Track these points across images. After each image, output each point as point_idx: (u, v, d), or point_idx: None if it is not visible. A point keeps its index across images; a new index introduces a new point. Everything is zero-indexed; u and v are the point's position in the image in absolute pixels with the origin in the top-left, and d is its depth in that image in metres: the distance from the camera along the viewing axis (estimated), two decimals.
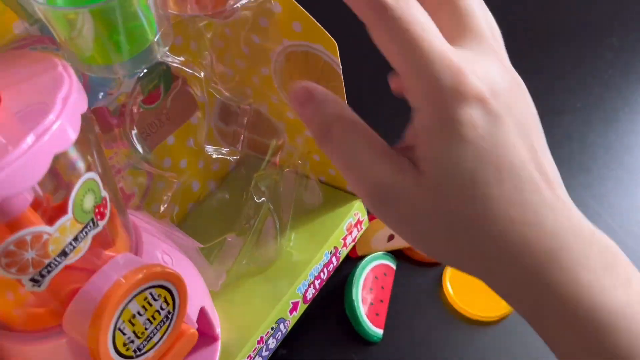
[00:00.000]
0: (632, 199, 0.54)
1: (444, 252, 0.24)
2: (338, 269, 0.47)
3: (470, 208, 0.22)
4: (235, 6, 0.31)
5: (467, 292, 0.42)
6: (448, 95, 0.21)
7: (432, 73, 0.21)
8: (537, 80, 0.61)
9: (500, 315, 0.45)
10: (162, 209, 0.40)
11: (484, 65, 0.23)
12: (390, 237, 0.47)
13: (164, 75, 0.38)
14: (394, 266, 0.49)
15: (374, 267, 0.48)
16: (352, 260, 0.49)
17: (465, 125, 0.22)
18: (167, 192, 0.36)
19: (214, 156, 0.35)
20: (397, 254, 0.50)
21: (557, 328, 0.23)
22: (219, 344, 0.40)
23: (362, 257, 0.49)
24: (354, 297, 0.46)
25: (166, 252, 0.35)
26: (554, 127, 0.60)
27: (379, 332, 0.45)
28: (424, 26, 0.22)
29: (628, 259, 0.24)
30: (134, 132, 0.37)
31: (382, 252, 0.49)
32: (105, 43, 0.27)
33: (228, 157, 0.36)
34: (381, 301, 0.47)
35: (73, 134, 0.23)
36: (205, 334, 0.39)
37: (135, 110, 0.37)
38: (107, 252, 0.29)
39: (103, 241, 0.29)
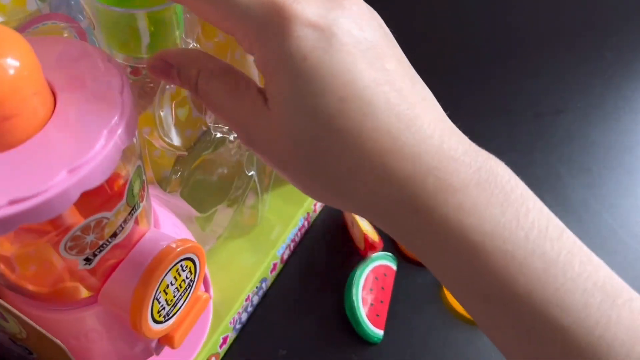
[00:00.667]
0: (632, 198, 0.54)
1: (311, 190, 0.24)
2: (339, 269, 0.49)
3: (322, 144, 0.21)
4: None
5: None
6: (270, 29, 0.21)
7: (247, 14, 0.21)
8: (537, 80, 0.65)
9: None
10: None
11: None
12: None
13: None
14: (394, 267, 0.49)
15: (374, 268, 0.49)
16: (352, 261, 0.50)
17: (296, 58, 0.21)
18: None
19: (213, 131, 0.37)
20: (397, 254, 0.51)
21: (433, 256, 0.23)
22: (211, 302, 0.43)
23: (361, 258, 0.50)
24: (354, 298, 0.46)
25: (175, 224, 0.37)
26: (554, 127, 0.59)
27: (380, 332, 0.45)
28: None
29: (511, 173, 0.23)
30: None
31: (382, 253, 0.50)
32: (142, 39, 0.28)
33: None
34: (381, 302, 0.47)
35: (135, 127, 0.25)
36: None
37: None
38: (138, 228, 0.31)
39: (136, 219, 0.31)
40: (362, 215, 0.24)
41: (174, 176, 0.36)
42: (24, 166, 0.22)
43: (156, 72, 0.26)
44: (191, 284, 0.33)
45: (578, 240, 0.23)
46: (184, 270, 0.32)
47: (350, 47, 0.21)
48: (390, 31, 0.24)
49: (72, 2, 0.34)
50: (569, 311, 0.22)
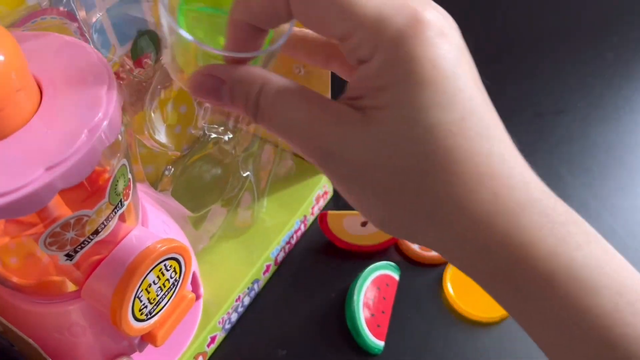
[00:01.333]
0: (632, 199, 0.54)
1: (398, 219, 0.21)
2: (341, 278, 0.48)
3: (434, 162, 0.20)
4: None
5: (467, 293, 0.41)
6: (401, 34, 0.19)
7: (377, 16, 0.19)
8: (537, 80, 0.65)
9: (501, 315, 0.45)
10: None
11: (431, 4, 0.21)
12: (364, 223, 0.49)
13: (152, 41, 0.39)
14: (397, 277, 0.48)
15: (376, 278, 0.47)
16: (354, 270, 0.48)
17: (425, 63, 0.19)
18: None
19: (212, 135, 0.37)
20: (398, 255, 0.49)
21: (535, 291, 0.21)
22: (201, 301, 0.43)
23: (362, 263, 0.48)
24: (354, 308, 0.45)
25: (165, 222, 0.37)
26: (554, 127, 0.59)
27: (380, 344, 0.44)
28: None
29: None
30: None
31: (385, 262, 0.48)
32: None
33: (222, 136, 0.38)
34: (383, 312, 0.46)
35: (118, 126, 0.25)
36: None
37: (124, 76, 0.38)
38: (124, 225, 0.31)
39: (122, 216, 0.31)
40: (447, 251, 0.22)
41: (165, 175, 0.37)
42: (1, 162, 0.22)
43: (202, 90, 0.23)
44: (176, 283, 0.34)
45: None
46: (167, 270, 0.32)
47: (468, 62, 0.21)
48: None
49: None
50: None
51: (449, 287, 0.46)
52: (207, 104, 0.37)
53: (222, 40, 0.25)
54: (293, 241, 0.50)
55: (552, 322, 0.21)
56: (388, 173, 0.20)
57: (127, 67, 0.38)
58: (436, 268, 0.49)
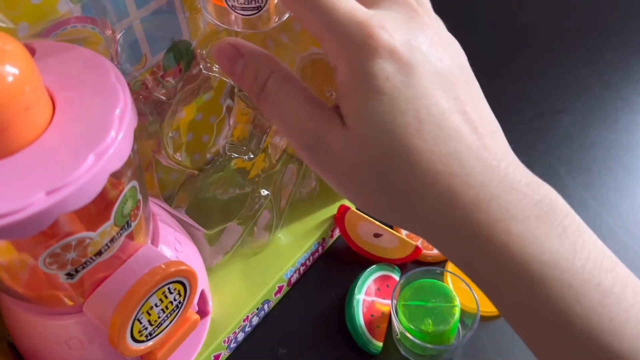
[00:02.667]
0: (632, 199, 0.54)
1: (374, 206, 0.25)
2: (341, 277, 0.48)
3: (396, 159, 0.23)
4: (277, 22, 0.31)
5: (466, 288, 0.42)
6: (358, 50, 0.22)
7: (340, 31, 0.23)
8: (537, 81, 0.65)
9: None
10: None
11: (397, 21, 0.23)
12: (377, 235, 0.49)
13: (184, 53, 0.39)
14: (397, 278, 0.48)
15: (377, 278, 0.48)
16: (354, 270, 0.48)
17: (378, 78, 0.22)
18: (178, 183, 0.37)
19: (234, 155, 0.36)
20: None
21: (491, 281, 0.24)
22: (209, 318, 0.42)
23: (363, 263, 0.48)
24: (354, 309, 0.45)
25: (177, 239, 0.36)
26: (553, 127, 0.59)
27: (379, 344, 0.44)
28: None
29: (569, 207, 0.24)
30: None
31: (385, 264, 0.49)
32: None
33: (243, 157, 0.37)
34: (382, 313, 0.46)
35: (127, 151, 0.24)
36: (200, 311, 0.42)
37: (146, 94, 0.38)
38: (131, 243, 0.31)
39: (129, 235, 0.30)
40: (424, 236, 0.25)
41: (180, 193, 0.36)
42: (3, 181, 0.22)
43: (221, 56, 0.26)
44: (180, 305, 0.33)
45: (630, 272, 0.25)
46: (171, 293, 0.31)
47: (429, 74, 0.23)
48: None
49: (109, 6, 0.34)
50: (623, 341, 0.23)
51: (449, 282, 0.46)
52: (231, 121, 0.36)
53: None
54: (309, 263, 0.49)
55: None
56: (361, 169, 0.23)
57: (156, 77, 0.38)
58: (436, 265, 0.49)
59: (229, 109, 0.36)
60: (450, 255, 0.25)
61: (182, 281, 0.32)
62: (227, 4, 0.28)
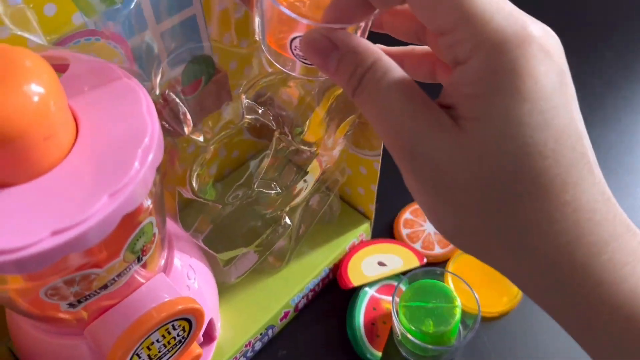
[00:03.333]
0: (632, 198, 0.54)
1: (472, 235, 0.20)
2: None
3: (520, 181, 0.19)
4: None
5: (467, 289, 0.41)
6: (506, 41, 0.18)
7: (486, 17, 0.18)
8: None
9: (500, 311, 0.46)
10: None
11: (539, 22, 0.20)
12: (381, 264, 0.48)
13: (206, 67, 0.37)
14: (403, 288, 0.46)
15: (380, 288, 0.47)
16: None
17: (526, 78, 0.18)
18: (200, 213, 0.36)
19: (264, 191, 0.35)
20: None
21: (614, 333, 0.20)
22: (215, 344, 0.41)
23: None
24: (355, 317, 0.45)
25: (192, 265, 0.35)
26: None
27: (377, 354, 0.44)
28: None
29: None
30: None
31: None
32: None
33: (271, 193, 0.35)
34: (384, 322, 0.46)
35: (145, 192, 0.23)
36: (206, 335, 0.40)
37: (173, 99, 0.36)
38: (142, 272, 0.29)
39: (145, 264, 0.29)
40: (530, 282, 0.21)
41: (202, 216, 0.34)
42: (11, 214, 0.21)
43: (311, 48, 0.22)
44: (183, 341, 0.31)
45: None
46: (175, 329, 0.30)
47: (570, 84, 0.20)
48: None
49: (129, 18, 0.33)
50: None
51: (450, 283, 0.44)
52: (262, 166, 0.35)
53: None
54: (318, 289, 0.47)
55: None
56: (471, 184, 0.19)
57: (175, 91, 0.36)
58: (436, 266, 0.48)
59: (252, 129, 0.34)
60: (546, 300, 0.21)
61: (189, 318, 0.30)
62: (291, 53, 0.26)
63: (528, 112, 0.18)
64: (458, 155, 0.19)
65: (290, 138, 0.33)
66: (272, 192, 0.34)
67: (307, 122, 0.34)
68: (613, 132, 0.59)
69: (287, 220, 0.40)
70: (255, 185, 0.33)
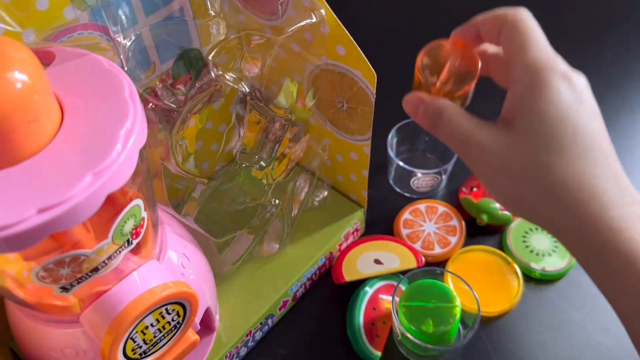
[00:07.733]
0: None
1: (512, 193, 0.30)
2: (344, 287, 0.47)
3: (548, 156, 0.28)
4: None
5: (467, 288, 0.42)
6: (542, 67, 0.29)
7: (533, 52, 0.29)
8: None
9: (500, 311, 0.45)
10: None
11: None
12: (377, 261, 0.48)
13: (195, 62, 0.38)
14: (403, 288, 0.45)
15: (380, 287, 0.47)
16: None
17: (552, 90, 0.28)
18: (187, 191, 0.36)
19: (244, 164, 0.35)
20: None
21: (614, 267, 0.28)
22: (214, 335, 0.41)
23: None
24: (354, 316, 0.45)
25: (186, 254, 0.36)
26: None
27: (377, 354, 0.44)
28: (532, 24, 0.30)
29: None
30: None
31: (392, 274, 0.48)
32: None
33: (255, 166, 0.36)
34: (384, 322, 0.45)
35: (129, 172, 0.24)
36: (204, 325, 0.41)
37: (162, 93, 0.37)
38: (134, 259, 0.30)
39: (133, 249, 0.30)
40: (558, 224, 0.29)
41: (189, 201, 0.35)
42: (48, 174, 0.22)
43: (408, 104, 0.33)
44: (178, 326, 0.32)
45: None
46: (169, 314, 0.31)
47: (586, 100, 0.30)
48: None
49: (117, 13, 0.34)
50: None
51: (450, 283, 0.45)
52: (241, 131, 0.36)
53: None
54: (315, 277, 0.48)
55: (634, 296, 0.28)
56: (516, 161, 0.29)
57: (166, 84, 0.37)
58: (436, 266, 0.48)
59: (239, 118, 0.35)
60: (573, 246, 0.29)
61: (182, 303, 0.31)
62: None
63: (554, 111, 0.28)
64: (506, 141, 0.29)
65: (262, 104, 0.34)
66: (256, 165, 0.35)
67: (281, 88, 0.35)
68: (612, 132, 0.57)
69: (274, 201, 0.41)
70: (238, 158, 0.34)
